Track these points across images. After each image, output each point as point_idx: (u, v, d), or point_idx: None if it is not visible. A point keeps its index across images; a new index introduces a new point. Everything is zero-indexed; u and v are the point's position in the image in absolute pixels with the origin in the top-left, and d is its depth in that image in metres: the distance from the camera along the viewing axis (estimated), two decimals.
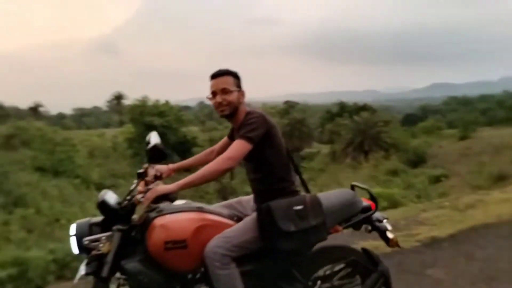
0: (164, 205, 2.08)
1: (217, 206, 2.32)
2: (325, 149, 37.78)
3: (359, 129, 31.35)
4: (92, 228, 2.02)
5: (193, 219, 2.02)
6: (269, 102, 59.30)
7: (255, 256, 2.03)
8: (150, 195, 1.95)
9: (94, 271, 1.93)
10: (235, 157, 1.96)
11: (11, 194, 16.09)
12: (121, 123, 50.41)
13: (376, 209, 2.25)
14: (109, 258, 1.91)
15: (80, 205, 8.79)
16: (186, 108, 75.16)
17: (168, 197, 2.04)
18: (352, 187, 2.36)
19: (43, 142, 25.21)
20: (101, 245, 1.94)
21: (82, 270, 1.94)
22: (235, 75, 2.14)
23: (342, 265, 2.28)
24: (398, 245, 2.27)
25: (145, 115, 32.32)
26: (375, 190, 7.52)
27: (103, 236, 1.97)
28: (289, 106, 46.89)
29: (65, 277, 5.10)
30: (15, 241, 6.07)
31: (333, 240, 2.24)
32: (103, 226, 2.02)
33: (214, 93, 2.10)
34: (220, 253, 1.90)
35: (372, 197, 2.27)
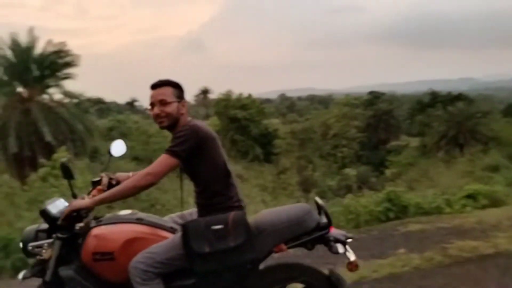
0: (108, 215, 2.13)
1: (171, 216, 2.27)
2: (414, 142, 35.56)
3: (454, 121, 28.90)
4: (38, 235, 2.09)
5: (125, 231, 2.00)
6: (353, 93, 57.45)
7: (188, 272, 1.94)
8: (66, 210, 1.98)
9: (36, 274, 2.05)
10: (155, 173, 1.90)
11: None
12: (207, 116, 52.77)
13: (329, 228, 2.02)
14: (51, 264, 2.00)
15: (172, 192, 9.45)
16: (268, 100, 76.02)
17: (79, 213, 2.00)
18: (317, 203, 2.15)
19: (139, 134, 27.51)
20: (43, 251, 2.02)
21: (21, 274, 2.07)
22: (175, 85, 2.06)
23: (296, 285, 2.13)
24: (356, 267, 2.01)
25: (229, 109, 33.44)
26: (473, 187, 6.89)
27: (46, 243, 2.05)
28: (374, 97, 44.80)
29: None
30: None
31: None
32: (48, 233, 2.07)
33: (152, 105, 2.03)
34: (141, 269, 1.86)
35: (327, 215, 2.07)
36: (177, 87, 2.08)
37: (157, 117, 2.03)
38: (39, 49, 17.14)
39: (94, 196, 2.10)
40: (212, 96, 61.94)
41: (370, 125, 38.23)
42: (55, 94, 17.63)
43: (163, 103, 2.01)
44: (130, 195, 1.96)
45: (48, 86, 17.34)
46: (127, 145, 2.48)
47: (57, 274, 2.01)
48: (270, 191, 18.58)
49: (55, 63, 17.10)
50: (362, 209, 5.91)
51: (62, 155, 8.53)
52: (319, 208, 2.12)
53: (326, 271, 2.09)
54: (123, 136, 28.32)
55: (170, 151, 1.91)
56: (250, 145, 31.83)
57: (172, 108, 2.01)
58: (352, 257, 1.98)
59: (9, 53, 16.80)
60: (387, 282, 3.16)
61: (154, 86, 2.06)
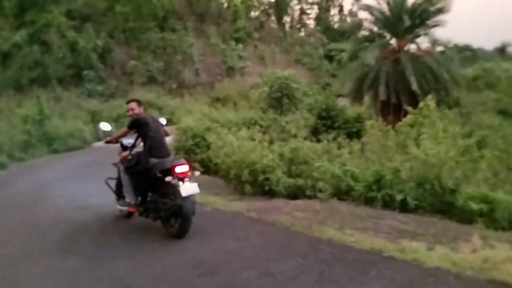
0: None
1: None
2: None
3: None
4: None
5: (126, 152, 5.26)
6: None
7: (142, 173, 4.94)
8: (105, 140, 5.68)
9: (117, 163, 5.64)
10: (120, 133, 5.24)
11: (472, 135, 16.69)
12: None
13: (171, 170, 4.54)
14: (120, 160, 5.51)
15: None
16: None
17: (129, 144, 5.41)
18: (186, 159, 4.76)
19: (509, 85, 23.96)
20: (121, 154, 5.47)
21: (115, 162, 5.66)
22: (137, 101, 5.36)
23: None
24: (181, 197, 4.40)
25: None
26: None
27: (123, 153, 5.40)
28: None
29: None
30: (478, 180, 6.29)
31: None
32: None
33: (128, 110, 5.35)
34: (122, 168, 5.27)
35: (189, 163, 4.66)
36: (137, 101, 5.32)
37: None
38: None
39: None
40: None
41: None
42: (422, 43, 17.90)
43: (132, 109, 5.19)
44: (116, 140, 5.31)
45: (417, 36, 17.76)
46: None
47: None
48: None
49: (426, 11, 17.15)
50: None
51: (430, 103, 8.72)
52: (187, 159, 4.72)
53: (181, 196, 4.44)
54: (489, 87, 25.53)
55: (127, 126, 5.06)
56: None
57: (137, 111, 5.18)
58: (180, 187, 4.42)
59: (384, 7, 18.29)
60: None
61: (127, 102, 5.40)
